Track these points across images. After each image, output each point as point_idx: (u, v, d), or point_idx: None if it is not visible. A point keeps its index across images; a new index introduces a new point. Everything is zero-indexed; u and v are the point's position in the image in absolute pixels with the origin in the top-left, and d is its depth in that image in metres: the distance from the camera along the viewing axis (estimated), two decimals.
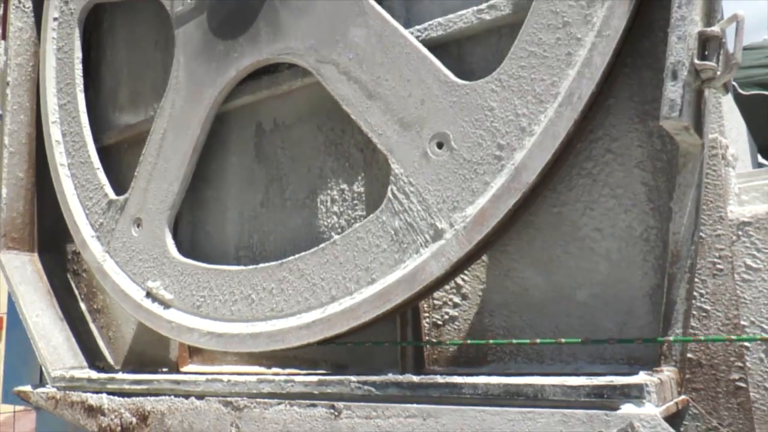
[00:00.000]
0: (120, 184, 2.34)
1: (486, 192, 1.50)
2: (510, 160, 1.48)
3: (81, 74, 2.42)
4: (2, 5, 2.56)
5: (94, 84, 2.55)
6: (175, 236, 2.11)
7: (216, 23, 2.04)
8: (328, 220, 1.91)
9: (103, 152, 2.43)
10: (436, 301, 1.72)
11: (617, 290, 1.49)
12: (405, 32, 1.67)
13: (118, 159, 2.49)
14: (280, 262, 1.84)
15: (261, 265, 1.89)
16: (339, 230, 1.88)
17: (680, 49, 1.27)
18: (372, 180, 1.84)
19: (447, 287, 1.69)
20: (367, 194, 1.85)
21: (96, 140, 2.39)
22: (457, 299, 1.70)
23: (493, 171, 1.50)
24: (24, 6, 2.56)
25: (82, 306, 2.58)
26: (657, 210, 1.46)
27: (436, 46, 1.73)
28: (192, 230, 2.22)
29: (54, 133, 2.44)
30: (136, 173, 2.19)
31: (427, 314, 1.73)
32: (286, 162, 1.99)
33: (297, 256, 1.80)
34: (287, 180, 1.99)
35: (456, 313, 1.70)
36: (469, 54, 1.71)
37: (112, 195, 2.28)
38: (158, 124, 2.14)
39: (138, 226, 2.17)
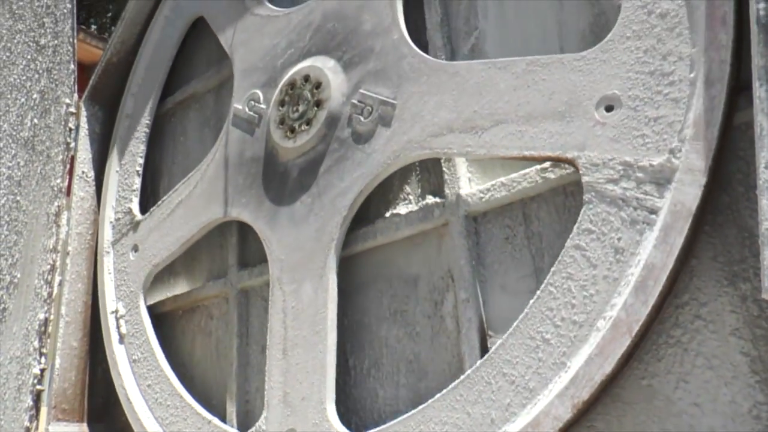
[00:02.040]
0: (173, 351, 2.30)
1: None
2: None
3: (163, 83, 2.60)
4: (68, 176, 2.63)
5: None
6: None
7: (249, 156, 2.07)
8: (392, 391, 1.79)
9: (158, 319, 2.39)
10: None
11: None
12: (331, 330, 1.73)
13: (173, 325, 2.44)
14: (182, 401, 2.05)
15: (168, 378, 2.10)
16: (404, 401, 1.76)
17: None
18: (440, 349, 1.74)
19: None
20: (434, 364, 1.74)
21: (152, 307, 2.37)
22: None
23: None
24: (86, 176, 2.63)
25: None
26: (765, 383, 1.32)
27: (501, 207, 1.68)
28: (247, 400, 2.12)
29: (128, 105, 2.62)
30: (153, 208, 2.37)
31: None
32: (349, 328, 1.90)
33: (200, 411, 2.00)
34: (351, 347, 1.89)
35: None
36: (534, 215, 1.65)
37: (134, 206, 2.43)
38: (181, 190, 2.28)
39: (135, 251, 2.32)
